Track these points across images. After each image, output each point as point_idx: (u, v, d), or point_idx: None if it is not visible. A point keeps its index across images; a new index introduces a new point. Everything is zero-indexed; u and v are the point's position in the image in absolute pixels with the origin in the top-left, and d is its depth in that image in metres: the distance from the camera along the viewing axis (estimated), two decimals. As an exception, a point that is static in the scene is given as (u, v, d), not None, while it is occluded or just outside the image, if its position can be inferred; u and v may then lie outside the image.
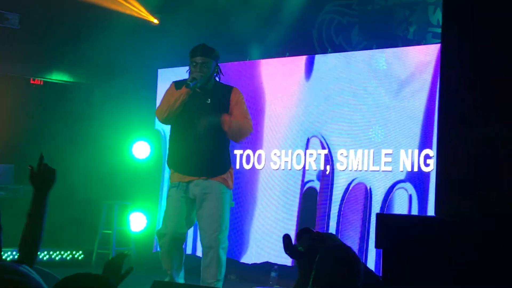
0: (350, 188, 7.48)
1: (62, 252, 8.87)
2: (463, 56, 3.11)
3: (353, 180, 7.48)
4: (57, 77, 9.62)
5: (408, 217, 3.75)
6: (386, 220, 3.11)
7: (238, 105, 5.70)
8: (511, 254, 2.78)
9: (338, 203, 7.55)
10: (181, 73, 8.99)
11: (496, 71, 2.96)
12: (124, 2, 9.19)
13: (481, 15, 3.05)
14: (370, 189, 7.35)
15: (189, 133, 5.67)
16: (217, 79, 5.85)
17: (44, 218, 3.23)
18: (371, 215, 7.29)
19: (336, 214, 7.57)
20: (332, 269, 3.22)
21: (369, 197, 7.34)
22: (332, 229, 7.53)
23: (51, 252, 8.78)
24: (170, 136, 5.90)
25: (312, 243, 2.92)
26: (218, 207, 5.56)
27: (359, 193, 7.42)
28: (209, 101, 5.67)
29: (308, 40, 8.57)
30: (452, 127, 3.11)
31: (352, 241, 7.36)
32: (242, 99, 5.77)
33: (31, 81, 9.54)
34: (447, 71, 3.13)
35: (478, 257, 2.82)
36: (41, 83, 9.58)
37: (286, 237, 2.98)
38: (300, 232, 3.05)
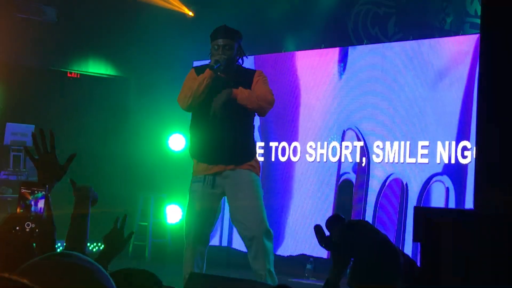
0: (387, 183, 7.43)
1: (99, 244, 8.95)
2: (504, 46, 3.06)
3: (389, 176, 7.42)
4: (94, 69, 9.69)
5: (446, 211, 3.71)
6: (424, 213, 3.07)
7: (259, 83, 5.31)
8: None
9: (375, 196, 7.50)
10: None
11: None
12: (159, -5, 9.22)
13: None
14: (406, 184, 7.29)
15: (212, 120, 5.26)
16: (241, 62, 5.50)
17: (88, 220, 3.24)
18: (408, 208, 7.24)
19: (373, 207, 7.52)
20: (373, 266, 3.20)
21: (405, 192, 7.28)
22: (369, 219, 7.48)
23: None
24: (191, 124, 5.47)
25: (345, 232, 2.84)
26: (253, 195, 5.20)
27: (395, 188, 7.37)
28: (232, 83, 5.33)
29: (344, 31, 8.52)
30: (492, 118, 3.07)
31: (389, 234, 7.32)
32: (263, 78, 5.36)
33: (68, 74, 9.62)
34: (487, 60, 3.08)
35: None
36: (78, 76, 9.65)
37: (318, 228, 2.88)
38: (330, 221, 2.89)
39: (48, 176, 2.88)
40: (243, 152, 5.31)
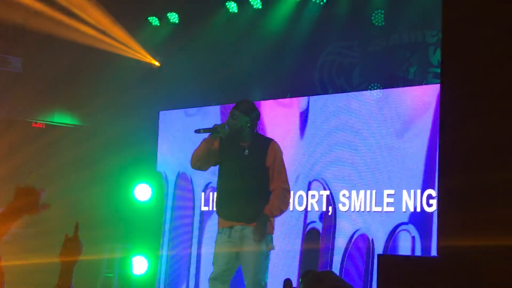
0: (353, 240, 7.44)
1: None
2: (460, 98, 3.10)
3: (355, 232, 7.44)
4: (59, 120, 9.63)
5: (409, 258, 3.71)
6: (388, 261, 3.07)
7: (275, 164, 5.82)
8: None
9: (342, 246, 7.49)
10: (182, 115, 9.02)
11: (493, 112, 2.95)
12: (125, 46, 9.24)
13: (480, 55, 3.05)
14: (372, 240, 7.31)
15: (228, 181, 5.89)
16: (256, 131, 5.94)
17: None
18: (374, 258, 7.22)
19: (340, 256, 7.50)
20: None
21: (371, 245, 7.30)
22: (336, 269, 7.46)
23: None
24: (216, 182, 6.07)
25: (312, 283, 2.88)
26: (256, 251, 5.78)
27: (361, 243, 7.37)
28: (246, 152, 5.83)
29: (310, 81, 8.59)
30: (452, 169, 3.09)
31: (356, 284, 7.29)
32: (279, 155, 5.87)
33: (33, 125, 9.56)
34: (445, 114, 3.12)
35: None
36: (43, 126, 9.59)
37: (287, 282, 2.96)
38: (302, 275, 3.04)
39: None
40: (254, 212, 5.79)
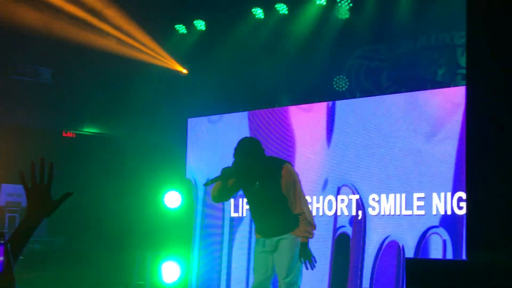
0: (383, 247, 7.40)
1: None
2: (489, 99, 3.07)
3: (385, 238, 7.40)
4: (89, 129, 9.71)
5: (437, 262, 3.68)
6: (416, 265, 3.05)
7: (291, 192, 5.89)
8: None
9: (372, 256, 7.45)
10: (211, 121, 9.05)
11: None
12: (153, 54, 9.30)
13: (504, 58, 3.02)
14: (402, 246, 7.27)
15: (252, 207, 6.12)
16: (267, 155, 6.03)
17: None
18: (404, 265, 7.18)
19: (371, 263, 7.46)
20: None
21: (401, 252, 7.26)
22: (367, 276, 7.43)
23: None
24: None
25: None
26: (286, 254, 5.91)
27: (392, 249, 7.34)
28: (257, 185, 5.93)
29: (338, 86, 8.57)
30: (481, 167, 3.06)
31: (389, 280, 7.25)
32: (292, 180, 5.91)
33: (64, 134, 9.65)
34: (474, 115, 3.09)
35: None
36: (74, 136, 9.68)
37: None
38: None
39: (37, 208, 2.76)
40: (282, 227, 5.96)
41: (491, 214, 3.00)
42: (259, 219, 6.05)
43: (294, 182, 5.89)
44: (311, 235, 5.87)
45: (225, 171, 5.89)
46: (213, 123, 9.03)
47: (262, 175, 5.91)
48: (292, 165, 6.10)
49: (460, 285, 2.89)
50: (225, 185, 5.96)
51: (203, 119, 9.13)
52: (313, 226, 5.90)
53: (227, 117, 8.92)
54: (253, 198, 6.04)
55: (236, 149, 5.90)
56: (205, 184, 6.09)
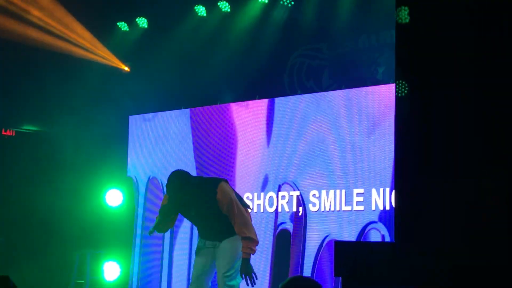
0: (324, 245, 7.44)
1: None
2: (416, 105, 3.12)
3: (325, 237, 7.45)
4: (29, 127, 9.57)
5: (365, 243, 3.71)
6: (344, 247, 3.06)
7: (230, 211, 5.90)
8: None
9: (313, 253, 7.48)
10: (152, 119, 9.00)
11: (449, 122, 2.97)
12: (95, 50, 9.21)
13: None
14: (342, 243, 7.32)
15: (193, 223, 6.32)
16: (196, 182, 6.05)
17: None
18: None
19: (312, 259, 7.50)
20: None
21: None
22: (308, 270, 7.46)
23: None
24: None
25: None
26: (227, 249, 5.97)
27: (332, 248, 7.38)
28: (193, 213, 6.01)
29: (280, 84, 8.60)
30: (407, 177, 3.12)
31: (326, 285, 7.29)
32: (229, 200, 5.90)
33: (3, 132, 9.49)
34: (400, 121, 3.14)
35: (433, 282, 2.78)
36: (13, 134, 9.52)
37: None
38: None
39: None
40: (223, 234, 6.01)
41: (418, 208, 3.04)
42: (202, 229, 6.12)
43: (231, 201, 5.90)
44: (253, 251, 5.89)
45: (162, 209, 6.00)
46: (148, 121, 8.99)
47: (196, 203, 5.96)
48: (228, 180, 6.17)
49: (387, 266, 2.92)
50: (167, 220, 6.04)
51: (144, 116, 9.07)
52: (256, 242, 5.91)
53: (168, 114, 8.88)
54: (193, 221, 6.20)
55: (167, 185, 5.98)
56: (149, 233, 6.07)
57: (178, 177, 5.95)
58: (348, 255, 2.99)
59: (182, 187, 5.91)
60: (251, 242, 5.88)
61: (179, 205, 5.99)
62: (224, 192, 5.90)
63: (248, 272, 5.84)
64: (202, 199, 5.94)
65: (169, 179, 5.97)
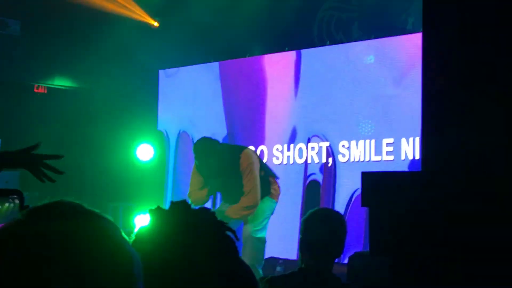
0: (353, 199, 7.46)
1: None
2: (445, 60, 3.09)
3: (355, 191, 7.45)
4: (60, 82, 9.64)
5: (393, 174, 3.71)
6: (372, 177, 3.07)
7: (244, 176, 5.99)
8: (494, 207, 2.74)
9: (343, 203, 7.50)
10: (182, 73, 9.02)
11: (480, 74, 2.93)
12: (124, 5, 9.22)
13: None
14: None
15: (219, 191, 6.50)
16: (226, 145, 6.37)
17: None
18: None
19: (342, 208, 7.52)
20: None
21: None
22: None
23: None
24: None
25: None
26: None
27: (359, 203, 7.38)
28: (220, 180, 6.08)
29: (309, 37, 8.56)
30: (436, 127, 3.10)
31: (359, 233, 7.32)
32: (249, 165, 5.98)
33: (35, 90, 9.57)
34: (430, 72, 3.11)
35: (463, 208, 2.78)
36: (45, 91, 9.61)
37: None
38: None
39: None
40: None
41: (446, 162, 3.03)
42: (226, 195, 6.25)
43: (250, 165, 5.98)
44: (239, 216, 6.04)
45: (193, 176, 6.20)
46: (177, 75, 9.00)
47: (224, 170, 6.02)
48: (255, 149, 6.26)
49: (415, 194, 2.92)
50: (200, 187, 6.18)
51: (174, 70, 9.10)
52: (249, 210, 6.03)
53: (197, 68, 8.89)
54: (219, 187, 6.26)
55: (194, 153, 6.10)
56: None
57: (203, 145, 6.00)
58: (375, 185, 3.00)
59: (208, 154, 5.96)
60: (245, 210, 6.00)
61: (207, 172, 6.06)
62: (246, 157, 5.99)
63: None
64: (228, 160, 6.00)
65: (194, 147, 6.04)
